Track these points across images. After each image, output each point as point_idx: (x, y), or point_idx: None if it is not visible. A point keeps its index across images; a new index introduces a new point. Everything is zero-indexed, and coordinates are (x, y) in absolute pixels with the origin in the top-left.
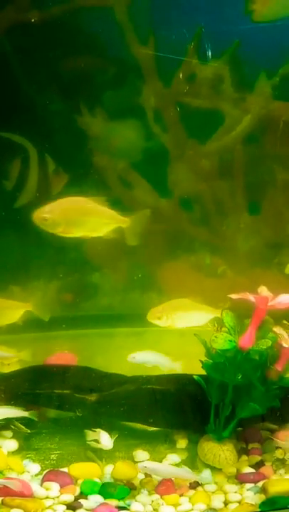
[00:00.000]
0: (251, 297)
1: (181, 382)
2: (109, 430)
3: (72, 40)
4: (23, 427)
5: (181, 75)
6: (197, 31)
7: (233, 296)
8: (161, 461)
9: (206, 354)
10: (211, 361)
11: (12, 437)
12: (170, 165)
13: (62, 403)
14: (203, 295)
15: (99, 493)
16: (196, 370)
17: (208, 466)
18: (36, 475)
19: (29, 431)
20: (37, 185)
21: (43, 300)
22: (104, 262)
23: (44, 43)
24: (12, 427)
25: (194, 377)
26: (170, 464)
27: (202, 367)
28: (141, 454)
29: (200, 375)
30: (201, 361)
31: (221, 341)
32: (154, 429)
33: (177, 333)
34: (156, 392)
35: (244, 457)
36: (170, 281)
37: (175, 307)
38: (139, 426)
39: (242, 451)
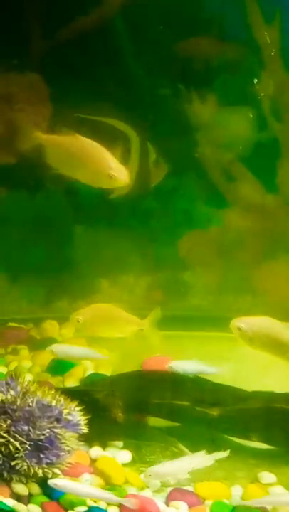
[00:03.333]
0: None
1: None
2: (226, 448)
3: (189, 20)
4: (186, 450)
5: None
6: None
7: None
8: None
9: None
10: None
11: (123, 447)
12: (281, 159)
13: (178, 415)
14: None
15: None
16: None
17: None
18: (157, 491)
19: (191, 453)
20: (136, 175)
21: (155, 323)
22: (198, 260)
23: (158, 23)
24: (174, 449)
25: None
26: None
27: None
28: (267, 476)
29: None
30: None
31: None
32: (276, 449)
33: None
34: (283, 411)
35: None
36: (267, 283)
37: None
38: (259, 445)
39: None
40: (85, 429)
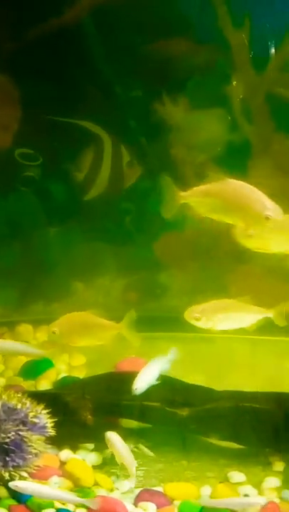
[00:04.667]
0: None
1: (279, 400)
2: (198, 448)
3: (159, 21)
4: (148, 450)
5: (275, 63)
6: None
7: None
8: (259, 485)
9: None
10: None
11: (93, 450)
12: (252, 159)
13: (149, 416)
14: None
15: None
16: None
17: None
18: (126, 493)
19: (153, 455)
20: (109, 177)
21: (132, 324)
22: (174, 262)
23: (127, 24)
24: (136, 449)
25: None
26: (270, 487)
27: None
28: (237, 476)
29: None
30: None
31: None
32: (247, 449)
33: (248, 342)
34: (253, 410)
35: None
36: (242, 284)
37: (217, 308)
38: (230, 445)
39: None
40: (52, 432)
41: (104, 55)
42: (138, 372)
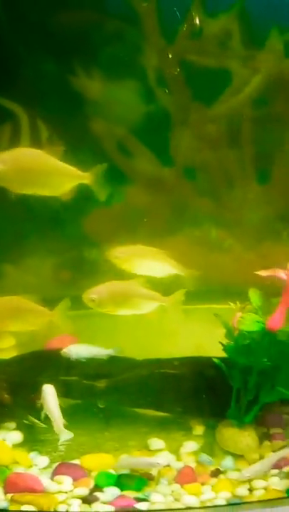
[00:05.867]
0: (282, 274)
1: (197, 365)
2: (120, 418)
3: None
4: (39, 422)
5: (185, 30)
6: None
7: (262, 272)
8: (178, 450)
9: (226, 336)
10: (233, 344)
11: (15, 429)
12: (172, 130)
13: (69, 391)
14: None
15: (115, 485)
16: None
17: (228, 453)
18: (45, 468)
19: (45, 426)
20: None
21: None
22: (104, 237)
23: None
24: (25, 421)
25: (214, 360)
26: (188, 451)
27: (223, 349)
28: (156, 443)
29: (220, 358)
30: (221, 344)
31: (249, 322)
32: (168, 415)
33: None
34: (169, 376)
35: (266, 443)
36: (173, 255)
37: (114, 291)
38: (152, 413)
39: (264, 437)
40: None
41: (12, 30)
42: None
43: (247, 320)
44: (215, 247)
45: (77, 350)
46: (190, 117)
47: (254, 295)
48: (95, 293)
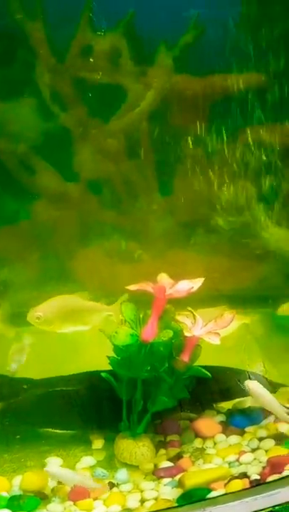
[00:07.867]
0: (149, 287)
1: (92, 380)
2: (24, 439)
3: None
4: None
5: (75, 49)
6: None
7: (131, 287)
8: (75, 466)
9: (113, 349)
10: (117, 357)
11: None
12: (73, 146)
13: None
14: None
15: (6, 508)
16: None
17: (125, 464)
18: None
19: None
20: None
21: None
22: (14, 256)
23: None
24: None
25: (102, 374)
26: (84, 467)
27: (109, 363)
28: (53, 461)
29: (109, 372)
30: (108, 357)
31: (122, 336)
32: (69, 432)
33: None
34: (65, 393)
35: (162, 451)
36: (85, 270)
37: (58, 306)
38: (52, 431)
39: (160, 445)
40: None
41: None
42: None
43: (120, 334)
44: (126, 259)
45: None
46: (89, 133)
47: (126, 308)
48: (40, 310)
